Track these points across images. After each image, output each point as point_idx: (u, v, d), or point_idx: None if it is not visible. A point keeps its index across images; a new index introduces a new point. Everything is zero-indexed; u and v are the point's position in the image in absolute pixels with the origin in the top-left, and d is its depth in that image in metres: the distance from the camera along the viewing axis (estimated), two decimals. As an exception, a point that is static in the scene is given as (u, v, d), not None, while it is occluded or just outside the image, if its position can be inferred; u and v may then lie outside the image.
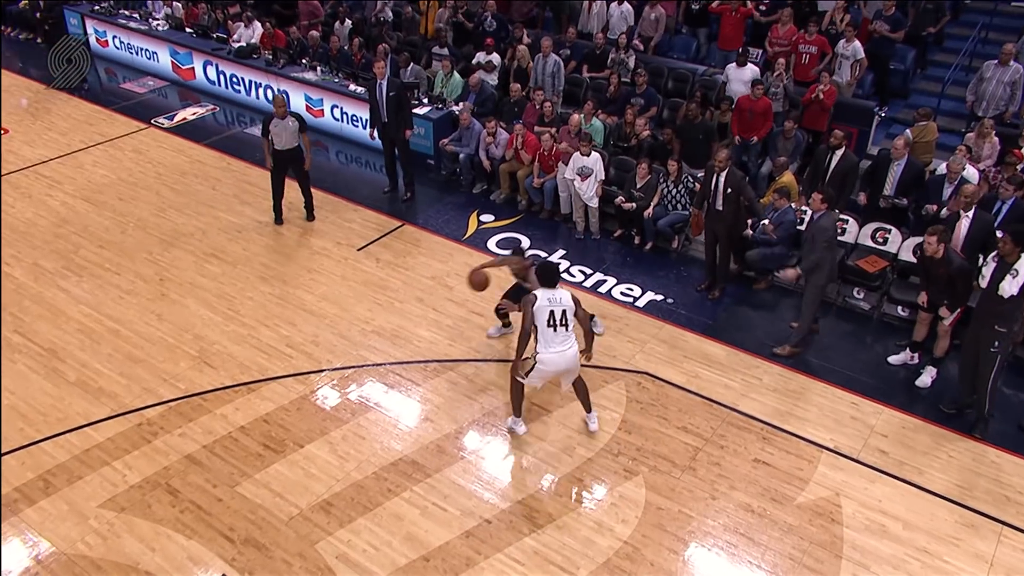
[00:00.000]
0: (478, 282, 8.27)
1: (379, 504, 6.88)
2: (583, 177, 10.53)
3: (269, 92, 14.43)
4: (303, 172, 10.89)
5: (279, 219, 11.11)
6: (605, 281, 9.96)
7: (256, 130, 13.88)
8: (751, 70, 12.03)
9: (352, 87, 13.46)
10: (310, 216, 11.13)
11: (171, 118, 14.55)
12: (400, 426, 7.73)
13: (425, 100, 12.93)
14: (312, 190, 11.14)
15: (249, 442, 7.51)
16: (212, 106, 15.09)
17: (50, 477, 7.16)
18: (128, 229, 10.99)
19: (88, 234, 10.87)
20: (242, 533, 6.64)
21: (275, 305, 9.45)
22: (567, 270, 10.14)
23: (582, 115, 11.30)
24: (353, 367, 8.49)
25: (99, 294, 9.63)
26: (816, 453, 7.47)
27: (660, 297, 9.68)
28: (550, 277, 7.12)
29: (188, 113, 14.80)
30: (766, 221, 9.36)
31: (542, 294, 7.02)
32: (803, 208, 9.42)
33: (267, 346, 8.76)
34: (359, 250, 10.57)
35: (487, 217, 11.39)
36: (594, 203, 10.66)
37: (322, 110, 13.88)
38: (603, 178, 10.60)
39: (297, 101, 13.86)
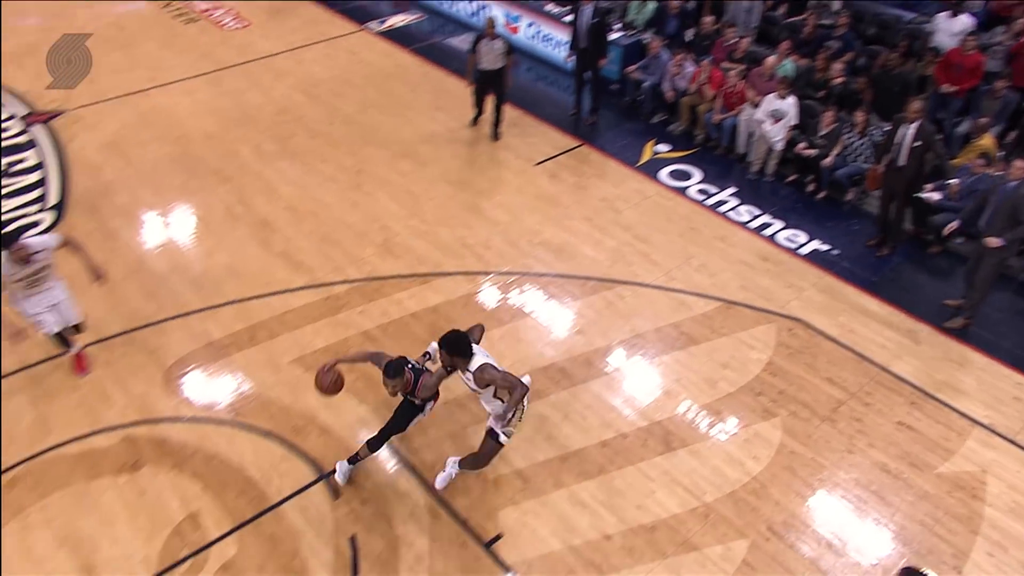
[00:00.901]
0: (327, 385, 6.10)
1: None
2: (775, 119, 10.01)
3: (472, 4, 14.47)
4: (501, 93, 10.92)
5: (475, 121, 11.35)
6: (771, 224, 9.54)
7: (457, 41, 14.03)
8: (964, 21, 10.78)
9: (550, 7, 13.27)
10: (495, 136, 11.14)
11: (382, 23, 14.91)
12: (554, 335, 7.85)
13: (618, 26, 12.59)
14: (503, 107, 11.19)
15: (418, 328, 7.87)
16: (420, 14, 15.33)
17: (255, 330, 7.84)
18: (335, 123, 11.50)
19: (302, 124, 11.47)
20: (404, 407, 7.05)
21: (455, 207, 9.70)
22: (735, 208, 9.78)
23: (776, 56, 10.65)
24: (518, 273, 8.64)
25: (306, 178, 10.22)
26: (967, 427, 6.99)
27: (826, 247, 9.18)
28: (461, 348, 5.69)
29: (398, 19, 15.12)
30: (955, 181, 8.58)
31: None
32: (997, 174, 8.55)
33: (443, 244, 9.04)
34: (537, 165, 10.60)
35: (663, 147, 11.09)
36: (779, 147, 10.14)
37: (518, 27, 13.81)
38: (795, 123, 10.03)
39: (495, 14, 13.82)
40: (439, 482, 6.34)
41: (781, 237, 9.34)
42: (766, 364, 7.54)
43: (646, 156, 10.88)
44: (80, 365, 7.40)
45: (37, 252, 6.67)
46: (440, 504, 6.26)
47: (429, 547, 5.97)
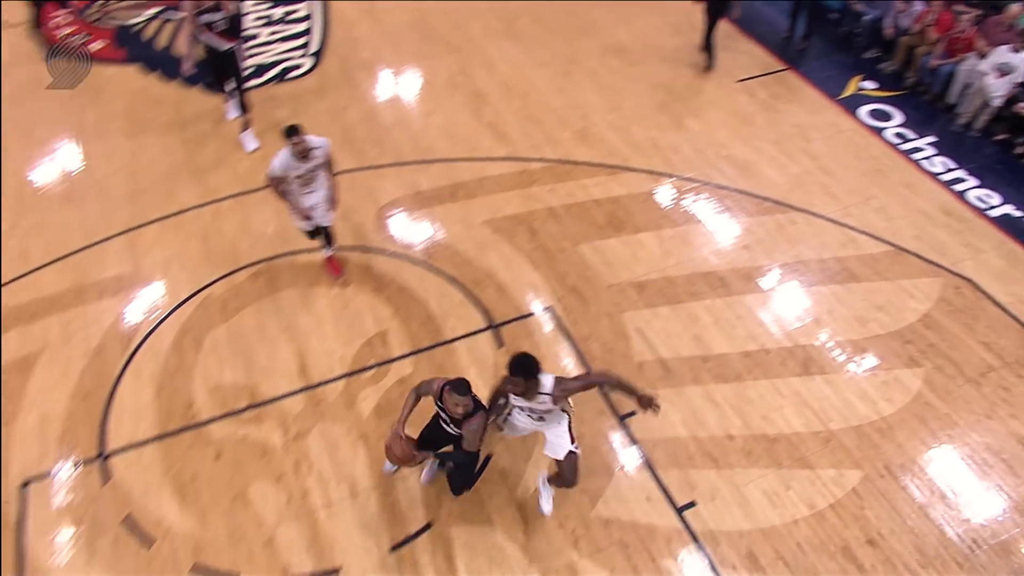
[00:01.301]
0: (402, 455, 5.11)
1: (682, 301, 7.00)
2: (1001, 73, 8.80)
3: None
4: (721, 16, 10.00)
5: (705, 48, 10.51)
6: (965, 181, 8.57)
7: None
8: None
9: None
10: (709, 61, 10.28)
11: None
12: (720, 245, 7.60)
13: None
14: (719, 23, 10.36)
15: (598, 214, 7.85)
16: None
17: (456, 189, 8.11)
18: (558, 13, 11.21)
19: (528, 9, 11.25)
20: (572, 282, 7.16)
21: (652, 108, 9.37)
22: (929, 158, 8.84)
23: (1021, 5, 9.22)
24: (699, 182, 8.33)
25: (523, 59, 10.15)
26: (1119, 420, 6.28)
27: (1019, 214, 8.19)
28: (534, 366, 4.71)
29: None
30: None
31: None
32: None
33: (635, 141, 8.82)
34: (738, 82, 9.95)
35: (869, 84, 10.07)
36: (997, 102, 8.95)
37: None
38: (1023, 80, 8.78)
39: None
40: (545, 509, 5.48)
41: (972, 195, 8.40)
42: (923, 315, 7.00)
43: (849, 90, 9.94)
44: (334, 268, 7.15)
45: (315, 149, 6.30)
46: (587, 372, 6.42)
47: (575, 408, 6.17)
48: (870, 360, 6.60)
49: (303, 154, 6.21)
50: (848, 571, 5.30)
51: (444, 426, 5.05)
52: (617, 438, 6.01)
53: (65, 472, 5.84)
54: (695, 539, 5.44)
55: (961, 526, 5.57)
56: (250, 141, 8.60)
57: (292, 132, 6.15)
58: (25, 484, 5.78)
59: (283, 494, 5.68)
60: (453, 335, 6.69)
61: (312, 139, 6.27)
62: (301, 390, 6.32)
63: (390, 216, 7.82)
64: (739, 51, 10.55)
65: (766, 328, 6.82)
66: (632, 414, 6.13)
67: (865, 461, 5.90)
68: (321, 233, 6.94)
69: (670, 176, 8.38)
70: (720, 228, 7.79)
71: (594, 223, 7.72)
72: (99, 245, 7.59)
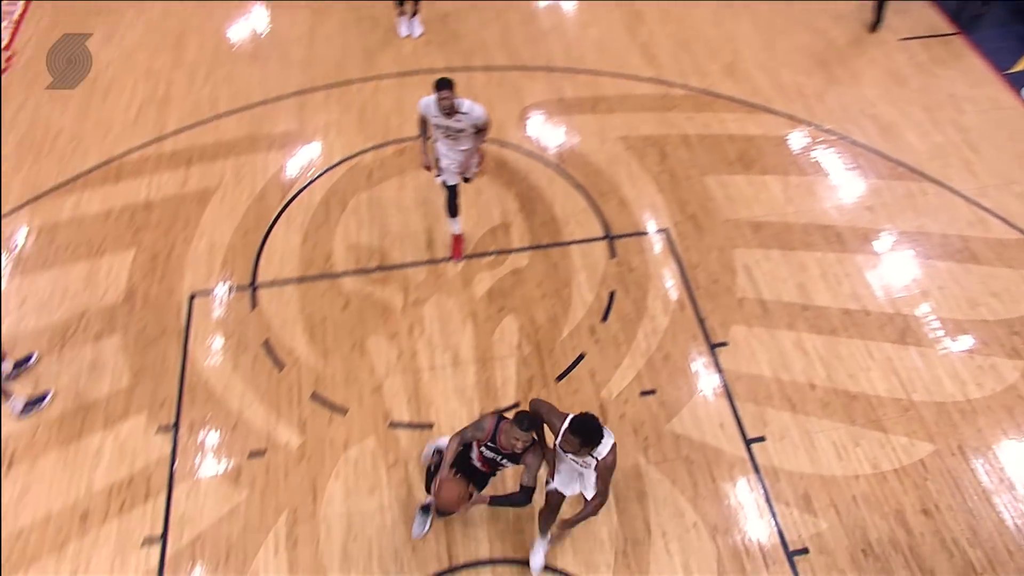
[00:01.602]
0: (455, 501, 4.47)
1: (794, 249, 6.68)
2: None
3: None
4: None
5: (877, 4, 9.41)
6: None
7: None
8: None
9: None
10: (877, 16, 9.26)
11: None
12: (844, 200, 7.11)
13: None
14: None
15: (729, 149, 7.47)
16: None
17: (598, 102, 7.87)
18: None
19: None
20: (691, 210, 6.93)
21: (804, 54, 8.63)
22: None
23: None
24: (837, 135, 7.73)
25: (685, -19, 9.50)
26: None
27: None
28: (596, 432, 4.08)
29: None
30: None
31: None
32: None
33: (781, 83, 8.21)
34: (901, 40, 8.98)
35: (1045, 62, 8.90)
36: None
37: None
38: None
39: None
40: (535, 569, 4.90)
41: None
42: (1039, 310, 6.43)
43: (1021, 66, 8.82)
44: (456, 247, 6.47)
45: (462, 112, 5.53)
46: (689, 298, 6.31)
47: (668, 328, 6.11)
48: (970, 342, 6.16)
49: (447, 111, 5.52)
50: (896, 533, 5.16)
51: (475, 463, 4.55)
52: (705, 364, 5.94)
53: (223, 293, 6.34)
54: (756, 470, 5.40)
55: (1023, 518, 5.30)
56: (415, 27, 8.55)
57: (441, 85, 5.39)
58: (192, 297, 6.32)
59: (395, 350, 5.96)
60: (571, 238, 6.67)
61: (463, 102, 5.51)
62: (426, 262, 6.51)
63: (531, 117, 7.71)
64: (911, 9, 9.46)
65: (871, 291, 6.44)
66: (724, 344, 6.03)
67: (939, 436, 5.62)
68: (454, 196, 6.14)
69: (809, 124, 7.81)
70: (847, 184, 7.27)
71: (724, 157, 7.36)
72: (274, 102, 7.89)
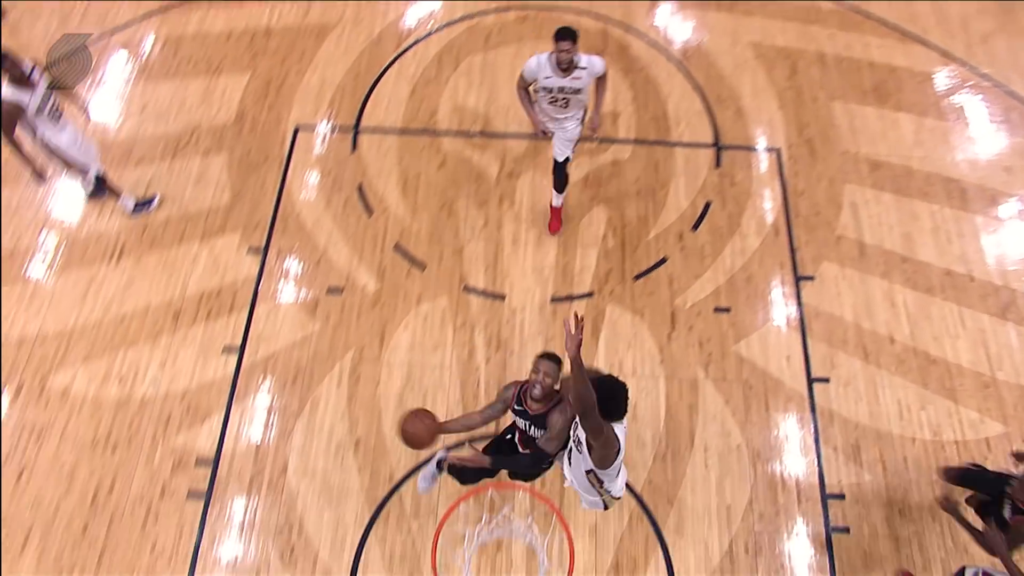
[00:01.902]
0: (414, 434, 3.63)
1: (910, 196, 5.84)
2: None
3: None
4: None
5: None
6: None
7: None
8: None
9: None
10: None
11: None
12: (981, 155, 6.08)
13: None
14: None
15: (866, 77, 6.44)
16: None
17: (736, 3, 6.88)
18: None
19: None
20: (809, 134, 6.10)
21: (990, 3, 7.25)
22: None
23: None
24: (993, 82, 6.52)
25: None
26: None
27: None
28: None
29: None
30: None
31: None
32: None
33: (945, 14, 6.92)
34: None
35: None
36: None
37: None
38: None
39: None
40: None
41: None
42: None
43: None
44: (554, 222, 5.53)
45: (581, 68, 4.53)
46: (786, 224, 5.65)
47: (757, 250, 5.52)
48: (1078, 332, 5.38)
49: (565, 65, 4.45)
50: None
51: (516, 444, 3.87)
52: (786, 294, 5.38)
53: (326, 131, 6.03)
54: (812, 409, 4.97)
55: (1081, 518, 4.75)
56: None
57: (562, 35, 4.34)
58: (297, 130, 6.04)
59: (482, 217, 5.62)
60: (678, 139, 6.00)
61: (583, 56, 4.50)
62: (528, 136, 6.00)
63: (663, 5, 6.79)
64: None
65: (983, 256, 5.62)
66: (811, 278, 5.43)
67: (1014, 420, 5.00)
68: (562, 170, 5.12)
69: (964, 64, 6.63)
70: (989, 138, 6.22)
71: (859, 85, 6.37)
72: (403, -58, 7.17)
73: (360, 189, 5.74)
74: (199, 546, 4.44)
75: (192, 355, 5.02)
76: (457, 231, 5.54)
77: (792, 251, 5.53)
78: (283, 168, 5.81)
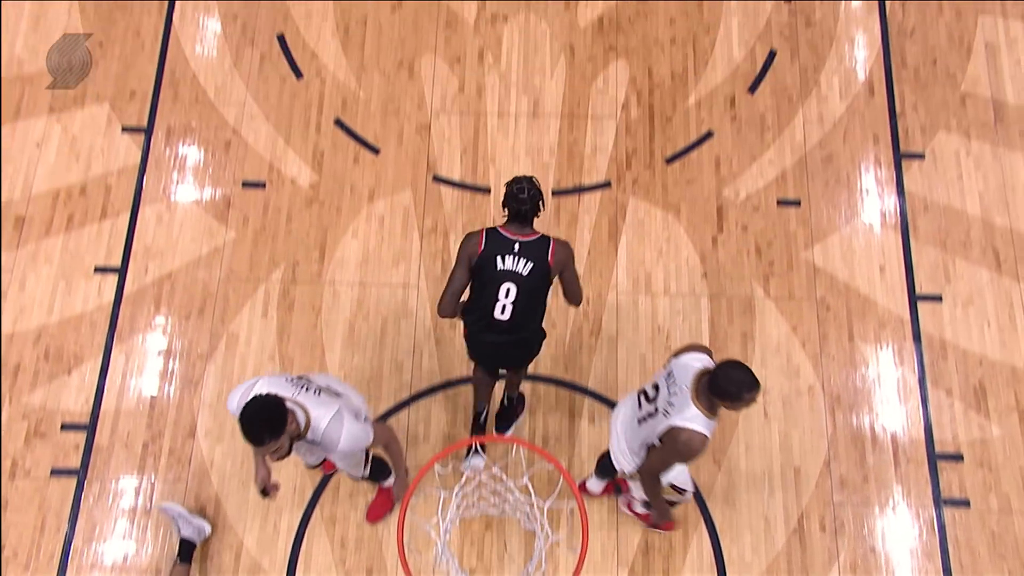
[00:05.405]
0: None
1: None
2: None
3: None
4: None
5: None
6: None
7: None
8: None
9: None
10: None
11: None
12: None
13: None
14: None
15: None
16: None
17: None
18: None
19: None
20: None
21: None
22: None
23: None
24: None
25: None
26: None
27: None
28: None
29: None
30: None
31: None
32: None
33: None
34: None
35: None
36: None
37: None
38: None
39: None
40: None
41: None
42: None
43: None
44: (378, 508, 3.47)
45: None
46: (885, 79, 4.18)
47: (842, 118, 4.15)
48: None
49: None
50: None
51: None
52: (882, 178, 3.97)
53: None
54: (917, 338, 3.67)
55: None
56: None
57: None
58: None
59: (456, 80, 4.19)
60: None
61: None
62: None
63: None
64: None
65: None
66: (919, 156, 3.95)
67: None
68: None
69: None
70: None
71: None
72: None
73: (282, 40, 4.22)
74: (71, 542, 3.34)
75: (48, 279, 3.77)
76: (422, 100, 4.13)
77: (893, 118, 4.09)
78: (167, 8, 4.24)
